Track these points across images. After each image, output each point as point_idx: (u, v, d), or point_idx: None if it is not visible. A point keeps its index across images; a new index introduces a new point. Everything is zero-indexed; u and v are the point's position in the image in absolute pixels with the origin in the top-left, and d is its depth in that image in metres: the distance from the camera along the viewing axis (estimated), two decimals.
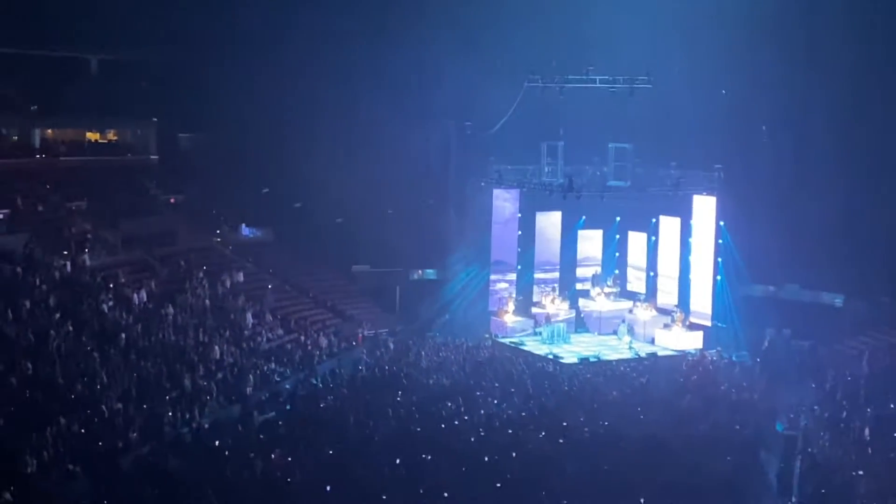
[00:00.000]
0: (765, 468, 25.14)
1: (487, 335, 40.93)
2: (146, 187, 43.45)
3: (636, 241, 44.35)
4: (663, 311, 41.98)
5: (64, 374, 26.52)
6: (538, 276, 43.83)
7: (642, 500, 21.93)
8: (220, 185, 43.70)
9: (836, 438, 26.99)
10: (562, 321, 41.54)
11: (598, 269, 44.16)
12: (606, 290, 43.27)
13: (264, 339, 34.59)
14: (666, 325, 41.00)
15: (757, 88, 40.42)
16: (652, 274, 43.64)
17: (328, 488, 22.33)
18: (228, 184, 43.63)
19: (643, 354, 38.81)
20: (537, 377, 34.07)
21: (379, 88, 41.19)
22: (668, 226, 42.85)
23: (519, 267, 43.35)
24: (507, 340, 40.42)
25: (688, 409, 29.82)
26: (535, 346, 39.58)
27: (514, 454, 24.81)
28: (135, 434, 25.14)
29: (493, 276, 42.94)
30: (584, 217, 43.44)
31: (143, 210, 40.84)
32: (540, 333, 40.84)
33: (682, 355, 38.76)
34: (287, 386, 31.77)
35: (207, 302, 35.33)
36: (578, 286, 44.20)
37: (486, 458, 24.45)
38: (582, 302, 43.40)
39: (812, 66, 38.78)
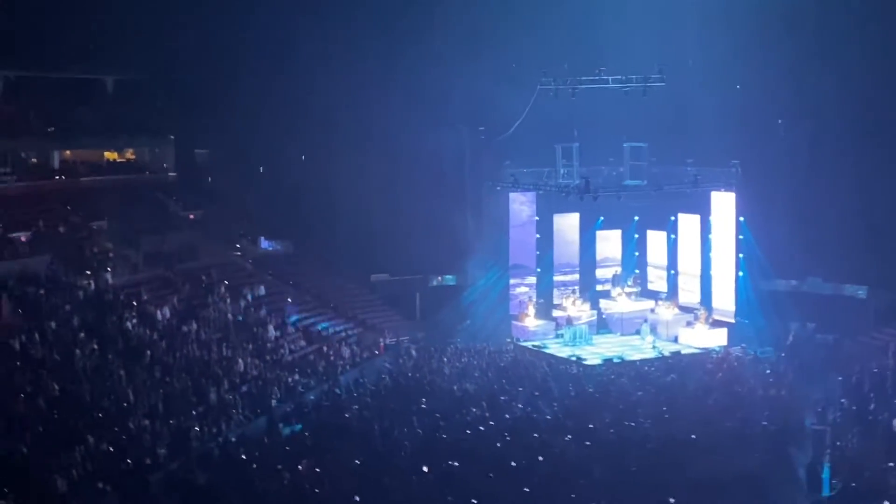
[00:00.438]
0: (794, 464, 24.99)
1: (509, 339, 40.93)
2: (165, 204, 43.66)
3: (656, 240, 44.28)
4: (686, 310, 41.86)
5: (91, 392, 26.71)
6: (558, 278, 43.80)
7: (672, 500, 21.82)
8: (238, 200, 43.89)
9: (864, 431, 26.79)
10: (584, 323, 41.49)
11: (619, 270, 44.07)
12: (627, 290, 43.20)
13: (287, 351, 34.71)
14: (689, 323, 40.89)
15: (771, 82, 40.26)
16: (673, 272, 43.56)
17: (357, 498, 22.33)
18: (246, 197, 43.81)
19: (667, 353, 38.70)
20: (561, 380, 34.02)
21: (392, 97, 41.27)
22: (688, 223, 42.75)
23: (538, 270, 43.33)
24: (529, 344, 40.38)
25: (714, 406, 29.71)
26: (557, 349, 39.55)
27: (540, 458, 24.75)
28: (163, 450, 25.27)
29: (512, 280, 42.95)
30: (602, 217, 43.41)
31: (162, 227, 41.02)
32: (562, 336, 40.80)
33: (707, 353, 38.63)
34: (311, 397, 31.84)
35: (230, 316, 35.48)
36: (599, 287, 44.15)
37: (514, 463, 24.40)
38: (603, 303, 43.32)
39: (825, 57, 38.60)
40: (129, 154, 47.14)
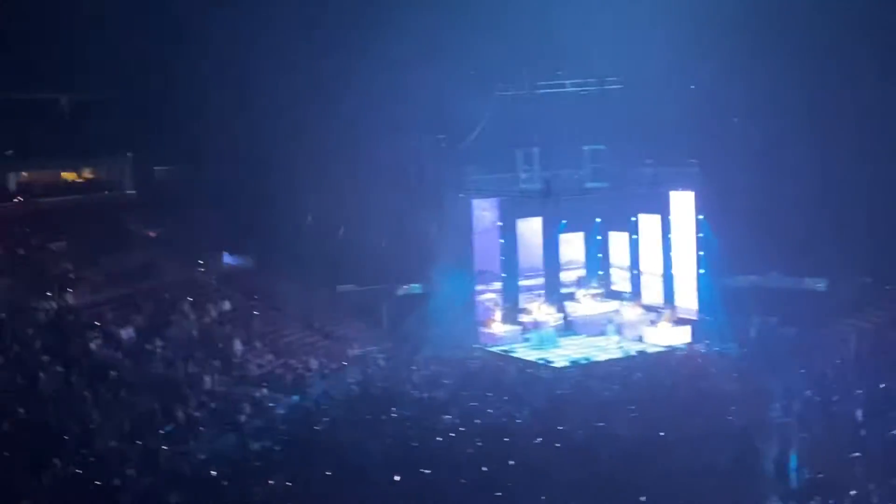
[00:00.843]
0: (761, 457, 25.25)
1: (477, 345, 40.98)
2: (125, 223, 43.33)
3: (618, 241, 44.55)
4: (650, 309, 42.16)
5: (56, 415, 26.45)
6: (523, 283, 43.90)
7: (643, 499, 21.98)
8: (199, 216, 43.64)
9: (829, 423, 27.13)
10: (550, 326, 41.66)
11: (583, 272, 44.34)
12: (592, 291, 43.44)
13: (254, 366, 34.54)
14: (653, 322, 41.17)
15: (726, 81, 40.69)
16: (636, 272, 43.84)
17: None
18: (208, 214, 43.56)
19: (633, 353, 38.92)
20: (530, 383, 34.15)
21: (353, 105, 41.26)
22: (649, 223, 43.06)
23: (504, 275, 43.45)
24: (497, 349, 40.48)
25: (681, 403, 29.93)
26: (525, 353, 39.66)
27: (511, 462, 24.83)
28: (132, 471, 25.01)
29: (478, 287, 43.00)
30: (564, 221, 43.60)
31: (123, 246, 40.73)
32: (529, 340, 40.94)
33: (672, 351, 38.94)
34: (280, 411, 31.72)
35: (195, 333, 35.27)
36: (564, 290, 44.33)
37: (485, 469, 24.46)
38: (569, 305, 43.52)
39: (779, 55, 39.12)
40: (88, 173, 46.77)
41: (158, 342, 33.17)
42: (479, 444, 26.61)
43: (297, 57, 40.46)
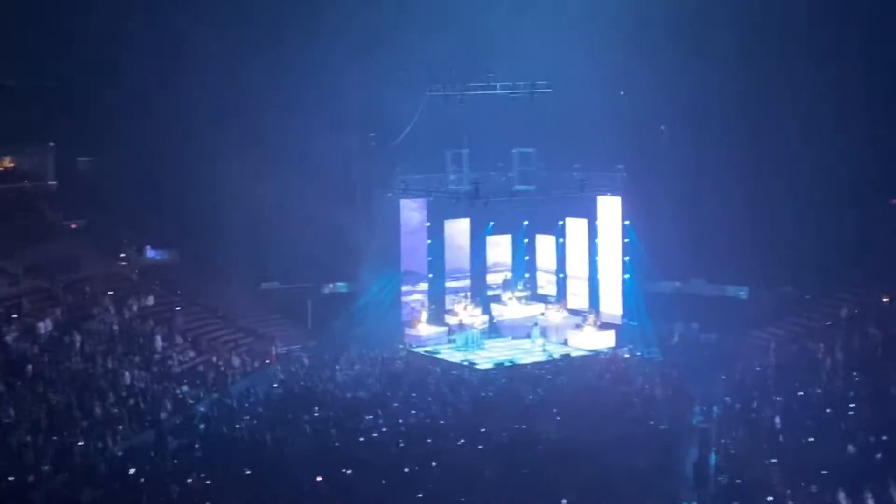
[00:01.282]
0: (681, 461, 25.55)
1: (402, 346, 40.85)
2: (46, 214, 42.40)
3: (545, 245, 44.85)
4: (574, 313, 42.47)
5: None
6: (450, 284, 43.96)
7: (564, 501, 22.07)
8: (122, 208, 42.90)
9: (748, 428, 27.54)
10: (476, 328, 41.73)
11: (509, 274, 44.56)
12: (517, 294, 43.67)
13: (175, 363, 34.04)
14: (578, 326, 41.49)
15: (654, 88, 41.24)
16: (562, 276, 44.15)
17: None
18: (131, 206, 42.83)
19: (557, 356, 39.18)
20: (454, 385, 34.10)
21: (282, 101, 40.89)
22: (575, 227, 43.41)
23: (430, 276, 43.42)
24: (421, 350, 40.42)
25: (603, 407, 30.14)
26: (449, 354, 39.66)
27: (433, 463, 24.77)
28: (46, 467, 24.46)
29: (404, 287, 42.89)
30: (492, 223, 43.77)
31: (43, 237, 39.84)
32: (454, 341, 40.97)
33: (595, 355, 39.23)
34: (201, 408, 31.24)
35: (115, 327, 34.64)
36: (490, 292, 44.50)
37: (407, 470, 24.37)
38: (494, 308, 43.65)
39: (705, 61, 39.80)
40: (8, 162, 45.67)
41: (77, 336, 32.47)
42: (402, 444, 26.55)
43: (227, 53, 39.97)
